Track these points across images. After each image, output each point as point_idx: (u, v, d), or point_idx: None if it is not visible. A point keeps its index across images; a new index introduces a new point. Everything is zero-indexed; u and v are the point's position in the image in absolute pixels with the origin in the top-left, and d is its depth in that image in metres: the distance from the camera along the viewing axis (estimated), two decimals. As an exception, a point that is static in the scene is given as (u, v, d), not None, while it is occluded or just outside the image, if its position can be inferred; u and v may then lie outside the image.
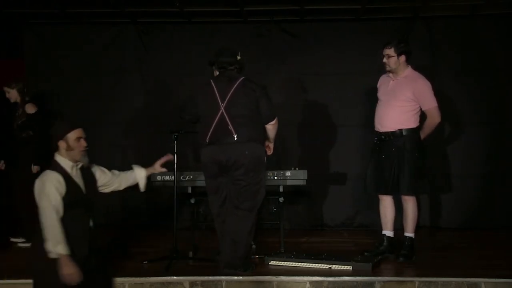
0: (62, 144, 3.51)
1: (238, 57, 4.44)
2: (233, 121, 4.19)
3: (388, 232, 4.80)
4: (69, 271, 3.21)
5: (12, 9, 6.40)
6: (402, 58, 4.63)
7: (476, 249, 5.29)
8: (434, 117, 4.65)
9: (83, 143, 3.60)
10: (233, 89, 4.27)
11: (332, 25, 6.68)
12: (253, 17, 6.63)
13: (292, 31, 6.67)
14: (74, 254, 3.28)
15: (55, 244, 3.22)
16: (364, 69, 6.14)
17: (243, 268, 4.14)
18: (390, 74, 4.73)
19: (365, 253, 4.71)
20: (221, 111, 4.23)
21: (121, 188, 4.01)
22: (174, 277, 4.05)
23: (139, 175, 3.95)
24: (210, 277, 4.00)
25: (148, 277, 4.05)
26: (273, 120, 4.36)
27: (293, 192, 6.02)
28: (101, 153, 6.71)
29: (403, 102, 4.60)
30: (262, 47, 6.71)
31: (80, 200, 3.47)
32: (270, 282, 4.01)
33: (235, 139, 4.16)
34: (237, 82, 4.29)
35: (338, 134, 6.54)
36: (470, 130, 6.41)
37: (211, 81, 4.37)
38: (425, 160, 4.67)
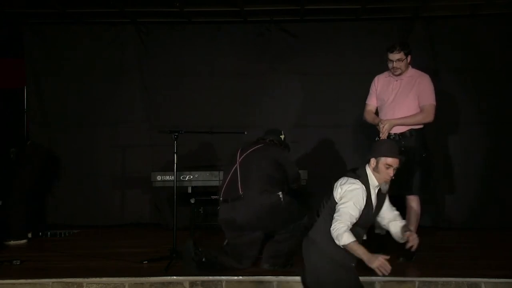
0: (372, 162, 3.65)
1: (282, 136, 4.63)
2: (243, 177, 4.24)
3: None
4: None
5: (13, 9, 6.40)
6: (409, 58, 4.64)
7: (476, 249, 5.29)
8: (429, 114, 4.59)
9: (390, 172, 3.61)
10: (254, 148, 4.40)
11: (332, 25, 6.68)
12: (253, 17, 6.63)
13: (292, 31, 6.68)
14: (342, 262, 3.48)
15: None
16: (364, 69, 6.13)
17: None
18: (392, 75, 4.70)
19: None
20: (236, 166, 4.32)
21: (386, 231, 3.99)
22: (174, 277, 4.05)
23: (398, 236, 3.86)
24: (210, 277, 4.00)
25: (148, 277, 4.04)
26: (298, 184, 4.66)
27: (293, 192, 6.02)
28: (101, 153, 6.75)
29: (411, 102, 4.58)
30: (262, 47, 6.72)
31: (367, 217, 3.62)
32: (270, 282, 4.01)
33: (241, 195, 4.18)
34: (261, 144, 4.44)
35: (338, 134, 6.55)
36: (470, 130, 6.41)
37: (239, 150, 4.48)
38: (431, 160, 4.69)
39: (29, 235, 5.72)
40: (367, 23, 6.62)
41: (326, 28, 6.69)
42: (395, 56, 4.57)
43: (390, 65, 4.63)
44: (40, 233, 5.99)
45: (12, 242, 5.55)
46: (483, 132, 6.42)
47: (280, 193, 4.24)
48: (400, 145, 4.58)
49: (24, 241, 5.63)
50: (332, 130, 6.56)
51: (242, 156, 4.37)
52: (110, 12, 6.47)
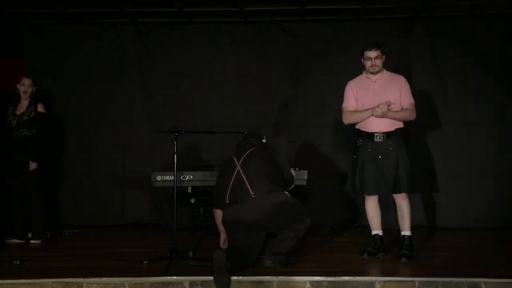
0: None
1: (264, 140, 4.65)
2: (249, 179, 4.26)
3: (380, 231, 4.79)
4: None
5: (13, 9, 6.40)
6: (384, 58, 4.72)
7: (476, 249, 5.29)
8: (414, 112, 4.69)
9: None
10: (248, 151, 4.42)
11: (332, 25, 6.68)
12: (253, 17, 6.63)
13: (292, 31, 6.68)
14: None
15: None
16: (364, 69, 6.12)
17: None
18: (370, 76, 4.74)
19: (365, 255, 4.69)
20: (237, 169, 4.33)
21: None
22: (174, 277, 4.05)
23: None
24: (210, 277, 3.98)
25: (148, 277, 4.04)
26: (292, 185, 4.65)
27: (293, 192, 6.01)
28: (101, 153, 6.76)
29: (393, 101, 4.63)
30: (262, 47, 6.72)
31: None
32: (270, 282, 4.00)
33: (253, 196, 4.19)
34: (253, 147, 4.48)
35: (338, 134, 6.54)
36: (469, 130, 6.40)
37: (233, 155, 4.49)
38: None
39: (29, 235, 5.71)
40: (367, 23, 6.63)
41: (326, 28, 6.69)
42: (373, 53, 4.67)
43: (368, 63, 4.70)
44: (48, 234, 6.00)
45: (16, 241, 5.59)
46: (483, 132, 6.42)
47: (287, 192, 4.30)
48: (388, 145, 4.62)
49: (38, 241, 5.64)
50: (332, 130, 6.56)
51: (241, 160, 4.38)
52: (110, 12, 6.48)
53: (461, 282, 3.91)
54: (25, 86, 5.68)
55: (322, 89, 6.61)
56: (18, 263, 4.50)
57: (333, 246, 5.37)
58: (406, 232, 4.69)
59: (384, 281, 3.97)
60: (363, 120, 4.68)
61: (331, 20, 6.67)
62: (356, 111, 4.74)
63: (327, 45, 6.64)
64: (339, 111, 6.48)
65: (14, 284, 4.00)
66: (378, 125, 4.65)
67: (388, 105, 4.56)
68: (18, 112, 5.65)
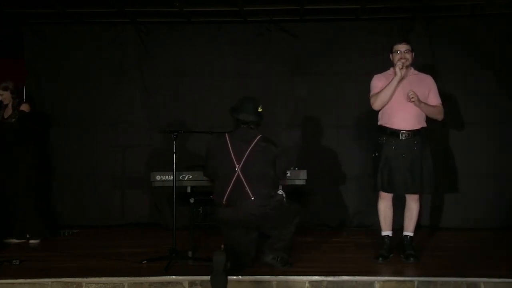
0: None
1: (259, 109, 4.49)
2: (249, 182, 4.24)
3: (390, 232, 4.75)
4: None
5: (13, 9, 6.40)
6: (413, 55, 4.68)
7: (476, 249, 5.29)
8: (442, 112, 4.70)
9: None
10: (249, 149, 4.32)
11: (332, 25, 6.68)
12: (253, 17, 6.63)
13: (292, 31, 6.68)
14: None
15: None
16: (364, 69, 6.11)
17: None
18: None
19: (380, 259, 4.61)
20: (237, 172, 4.28)
21: None
22: (174, 277, 4.06)
23: None
24: (209, 277, 3.99)
25: (148, 277, 4.05)
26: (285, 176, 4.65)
27: (293, 192, 6.02)
28: (101, 153, 6.76)
29: (422, 99, 4.57)
30: (262, 47, 6.72)
31: None
32: (269, 282, 4.01)
33: (253, 199, 4.21)
34: (254, 142, 4.34)
35: (338, 134, 6.55)
36: (469, 130, 6.40)
37: (227, 137, 4.39)
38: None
39: (27, 235, 5.71)
40: (367, 23, 6.62)
41: (326, 28, 6.69)
42: (404, 46, 4.62)
43: (397, 57, 4.61)
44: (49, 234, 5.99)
45: (31, 241, 5.62)
46: (483, 132, 6.42)
47: (281, 191, 4.33)
48: (413, 143, 4.57)
49: (37, 240, 5.64)
50: (332, 130, 6.57)
51: (242, 161, 4.31)
52: (110, 12, 6.48)
53: (461, 282, 3.92)
54: (1, 96, 5.71)
55: (322, 89, 6.61)
56: (17, 263, 4.51)
57: (333, 246, 5.37)
58: (409, 232, 4.68)
59: (384, 281, 3.98)
60: (391, 92, 4.54)
61: (331, 20, 6.66)
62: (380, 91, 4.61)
63: (327, 45, 6.64)
64: (339, 111, 6.56)
65: (13, 284, 4.01)
66: (404, 124, 4.57)
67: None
68: (6, 115, 5.70)
